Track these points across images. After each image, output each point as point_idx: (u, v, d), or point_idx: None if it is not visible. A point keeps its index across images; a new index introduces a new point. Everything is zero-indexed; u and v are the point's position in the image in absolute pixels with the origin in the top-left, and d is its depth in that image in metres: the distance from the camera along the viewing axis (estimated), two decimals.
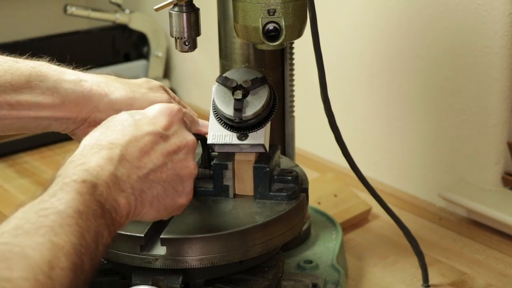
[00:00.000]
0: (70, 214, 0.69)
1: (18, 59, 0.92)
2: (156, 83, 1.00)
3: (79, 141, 0.83)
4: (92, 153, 0.77)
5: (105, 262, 0.98)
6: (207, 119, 1.02)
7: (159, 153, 0.82)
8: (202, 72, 2.00)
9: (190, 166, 0.85)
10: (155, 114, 0.85)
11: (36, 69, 0.91)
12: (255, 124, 0.99)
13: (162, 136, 0.83)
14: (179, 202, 0.85)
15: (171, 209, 0.85)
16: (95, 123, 0.91)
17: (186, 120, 0.90)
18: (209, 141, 1.00)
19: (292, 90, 1.20)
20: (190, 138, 0.87)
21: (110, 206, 0.75)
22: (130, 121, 0.83)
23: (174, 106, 0.88)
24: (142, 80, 0.99)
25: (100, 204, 0.73)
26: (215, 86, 1.00)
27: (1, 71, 0.89)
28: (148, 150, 0.80)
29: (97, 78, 0.95)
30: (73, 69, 0.97)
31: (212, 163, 1.02)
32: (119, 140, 0.79)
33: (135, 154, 0.79)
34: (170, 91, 1.03)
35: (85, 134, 0.86)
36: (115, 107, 0.93)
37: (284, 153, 1.21)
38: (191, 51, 1.02)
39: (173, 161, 0.83)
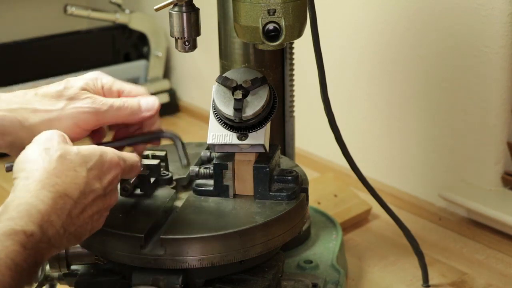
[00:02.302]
0: None
1: None
2: (77, 84, 0.93)
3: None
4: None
5: (105, 262, 0.98)
6: (207, 119, 1.02)
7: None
8: (202, 72, 2.00)
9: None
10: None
11: None
12: (255, 124, 0.99)
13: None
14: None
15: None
16: (22, 147, 0.88)
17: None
18: (209, 141, 1.00)
19: (292, 90, 1.20)
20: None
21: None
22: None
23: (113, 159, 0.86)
24: (60, 87, 0.92)
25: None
26: (215, 86, 1.00)
27: None
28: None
29: (9, 105, 0.91)
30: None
31: (212, 163, 1.02)
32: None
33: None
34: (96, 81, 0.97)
35: (17, 154, 0.86)
36: (35, 134, 0.88)
37: (284, 153, 1.21)
38: (191, 51, 1.02)
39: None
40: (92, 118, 0.92)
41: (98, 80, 0.95)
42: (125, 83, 0.97)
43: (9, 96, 0.92)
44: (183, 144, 1.03)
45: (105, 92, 0.96)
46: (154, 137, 1.01)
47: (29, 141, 0.86)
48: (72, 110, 0.91)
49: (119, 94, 0.97)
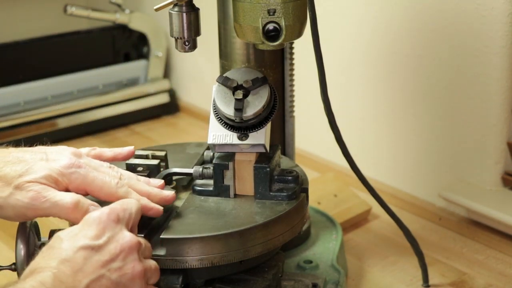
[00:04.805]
0: None
1: None
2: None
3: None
4: (26, 278, 0.77)
5: None
6: (207, 119, 1.02)
7: (94, 267, 0.79)
8: (202, 72, 2.00)
9: (131, 269, 0.83)
10: (83, 226, 0.83)
11: None
12: (256, 124, 0.99)
13: (94, 248, 0.80)
14: None
15: None
16: None
17: (123, 216, 0.85)
18: (209, 141, 1.00)
19: (292, 90, 1.20)
20: (127, 239, 0.83)
21: None
22: (59, 241, 0.81)
23: (103, 212, 0.84)
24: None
25: None
26: (215, 86, 1.00)
27: None
28: (81, 267, 0.78)
29: None
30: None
31: (213, 163, 1.02)
32: (50, 262, 0.78)
33: (68, 273, 0.78)
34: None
35: None
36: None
37: (284, 153, 1.21)
38: (191, 51, 1.02)
39: (111, 270, 0.81)
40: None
41: None
42: None
43: None
44: None
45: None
46: None
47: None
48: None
49: None
